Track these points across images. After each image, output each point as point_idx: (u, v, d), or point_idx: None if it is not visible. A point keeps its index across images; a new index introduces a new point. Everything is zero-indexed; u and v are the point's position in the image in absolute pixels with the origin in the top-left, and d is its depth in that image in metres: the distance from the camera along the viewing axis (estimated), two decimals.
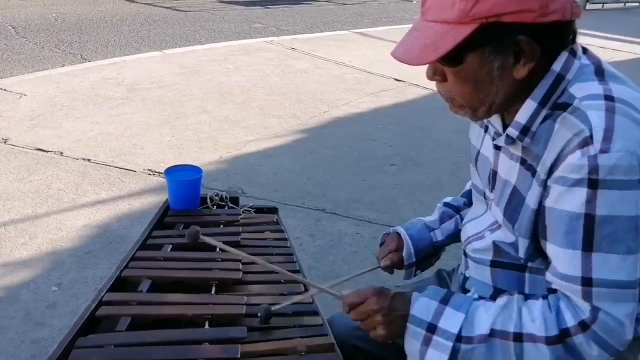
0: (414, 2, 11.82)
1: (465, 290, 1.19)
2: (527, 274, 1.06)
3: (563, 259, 0.91)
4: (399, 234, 1.34)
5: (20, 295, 2.35)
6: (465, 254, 1.18)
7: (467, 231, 1.19)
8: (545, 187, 0.93)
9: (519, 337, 0.92)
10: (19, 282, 2.43)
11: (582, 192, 0.86)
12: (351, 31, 8.17)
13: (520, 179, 0.99)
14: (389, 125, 4.48)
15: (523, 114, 0.96)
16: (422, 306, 0.99)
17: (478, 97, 0.96)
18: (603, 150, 0.85)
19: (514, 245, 1.05)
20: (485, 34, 0.88)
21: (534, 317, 0.92)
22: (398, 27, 8.45)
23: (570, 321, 0.90)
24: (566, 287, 0.91)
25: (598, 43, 7.37)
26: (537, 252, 1.00)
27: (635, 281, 0.89)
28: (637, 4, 13.06)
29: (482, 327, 0.94)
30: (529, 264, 1.04)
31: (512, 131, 0.98)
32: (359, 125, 4.44)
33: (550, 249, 0.93)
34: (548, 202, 0.91)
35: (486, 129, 1.14)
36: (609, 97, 0.90)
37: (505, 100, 0.96)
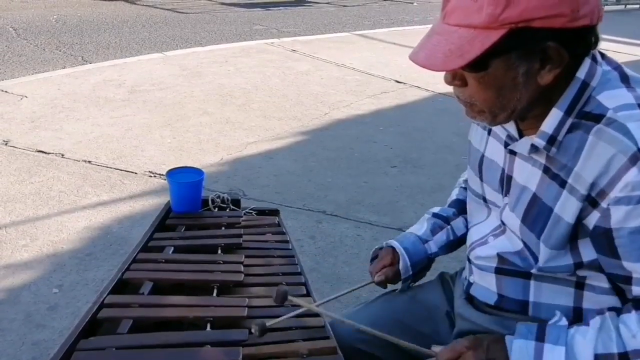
0: (415, 4, 11.83)
1: (469, 296, 1.18)
2: (532, 281, 1.05)
3: None
4: (392, 248, 1.31)
5: (21, 297, 2.35)
6: (469, 260, 1.18)
7: (471, 236, 1.18)
8: (591, 204, 0.91)
9: (624, 357, 0.90)
10: (20, 284, 2.43)
11: None
12: (352, 33, 8.18)
13: (543, 187, 0.98)
14: (390, 127, 4.48)
15: (549, 124, 0.94)
16: (521, 350, 0.95)
17: (500, 103, 0.93)
18: None
19: (521, 254, 1.04)
20: (513, 40, 0.85)
21: (634, 332, 0.90)
22: (399, 29, 8.45)
23: None
24: None
25: (599, 45, 7.35)
26: (573, 265, 0.99)
27: None
28: (637, 5, 13.07)
29: (584, 355, 0.91)
30: (533, 271, 1.03)
31: (539, 141, 0.96)
32: (360, 127, 4.44)
33: (630, 267, 0.91)
34: (615, 223, 0.89)
35: (489, 132, 1.12)
36: None
37: (527, 106, 0.94)
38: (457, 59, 0.86)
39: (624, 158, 0.86)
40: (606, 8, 12.02)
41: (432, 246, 1.31)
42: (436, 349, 1.05)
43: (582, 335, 0.93)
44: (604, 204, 0.90)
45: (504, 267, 1.08)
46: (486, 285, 1.12)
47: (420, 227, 1.34)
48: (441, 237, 1.32)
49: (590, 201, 0.91)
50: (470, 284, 1.17)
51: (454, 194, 1.39)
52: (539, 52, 0.88)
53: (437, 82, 5.14)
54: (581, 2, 0.85)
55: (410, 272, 1.29)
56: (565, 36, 0.87)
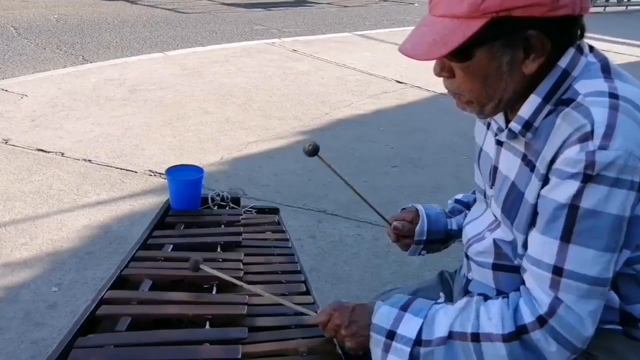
0: (416, 4, 11.82)
1: (468, 293, 1.17)
2: None
3: (539, 245, 0.91)
4: (417, 210, 1.35)
5: (21, 296, 2.34)
6: (467, 256, 1.18)
7: (467, 233, 1.18)
8: (545, 182, 0.92)
9: (476, 337, 0.92)
10: (19, 282, 2.42)
11: (574, 185, 0.86)
12: (353, 33, 8.17)
13: (520, 174, 0.99)
14: (391, 127, 4.47)
15: (526, 109, 0.96)
16: (383, 314, 1.00)
17: (487, 93, 0.95)
18: (602, 147, 0.84)
19: (513, 244, 1.04)
20: (495, 29, 0.87)
21: (491, 316, 0.93)
22: (399, 30, 8.45)
23: (527, 317, 0.90)
24: (536, 273, 0.91)
25: (600, 46, 7.31)
26: None
27: (606, 279, 0.89)
28: (638, 7, 13.07)
29: (440, 329, 0.95)
30: (517, 262, 1.03)
31: (515, 125, 0.97)
32: (361, 127, 4.44)
33: (531, 234, 0.94)
34: (543, 191, 0.92)
35: (488, 126, 1.14)
36: (613, 95, 0.89)
37: (514, 96, 0.96)
38: (441, 48, 0.89)
39: (576, 135, 0.87)
40: (607, 9, 12.03)
41: (454, 223, 1.35)
42: (313, 314, 1.11)
43: (445, 311, 0.97)
44: (549, 175, 0.91)
45: (501, 263, 1.08)
46: (484, 281, 1.12)
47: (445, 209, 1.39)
48: (459, 219, 1.35)
49: (543, 176, 0.92)
50: (468, 281, 1.17)
51: None
52: (521, 41, 0.89)
53: (437, 83, 5.08)
54: None
55: (424, 237, 1.32)
56: (547, 25, 0.88)
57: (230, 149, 3.89)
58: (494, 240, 1.08)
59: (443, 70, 0.97)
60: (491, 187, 1.09)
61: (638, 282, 0.97)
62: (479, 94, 0.96)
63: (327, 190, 3.38)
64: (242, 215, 1.59)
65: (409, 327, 0.96)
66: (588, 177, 0.85)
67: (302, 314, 1.13)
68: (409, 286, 1.36)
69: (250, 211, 1.64)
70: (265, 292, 1.14)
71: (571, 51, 0.94)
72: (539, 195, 0.93)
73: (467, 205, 1.35)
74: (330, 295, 2.40)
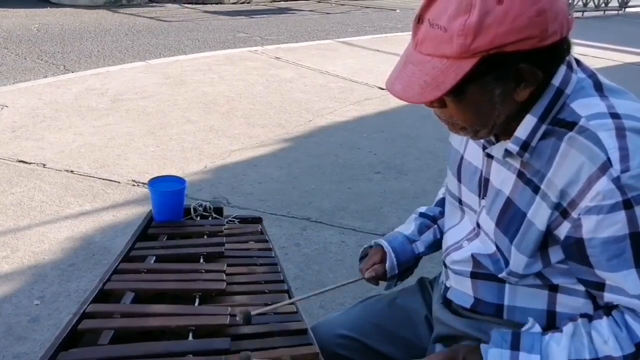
0: (398, 11, 11.91)
1: (447, 300, 1.19)
2: (506, 285, 1.06)
3: (620, 281, 0.91)
4: (381, 247, 1.33)
5: (2, 310, 2.32)
6: (445, 264, 1.19)
7: (446, 241, 1.19)
8: (562, 214, 0.92)
9: None
10: (1, 296, 2.40)
11: (620, 215, 0.87)
12: (335, 40, 8.20)
13: (517, 192, 0.99)
14: (374, 133, 4.50)
15: (523, 130, 0.96)
16: (495, 359, 0.97)
17: (480, 121, 0.95)
18: (624, 170, 0.86)
19: (492, 257, 1.05)
20: (486, 66, 0.87)
21: (606, 339, 0.92)
22: (382, 36, 8.50)
23: None
24: (634, 304, 0.92)
25: (578, 50, 7.43)
26: (537, 270, 1.00)
27: None
28: (616, 12, 13.29)
29: None
30: (503, 275, 1.04)
31: (512, 147, 0.97)
32: (344, 134, 4.46)
33: (603, 275, 0.93)
34: (586, 233, 0.91)
35: None
36: (614, 115, 0.91)
37: (506, 120, 0.96)
38: (433, 90, 0.88)
39: (593, 167, 0.88)
40: (585, 14, 12.21)
41: (420, 246, 1.33)
42: None
43: (556, 342, 0.95)
44: (574, 214, 0.91)
45: (479, 272, 1.09)
46: (462, 289, 1.14)
47: (408, 227, 1.36)
48: (428, 236, 1.33)
49: (562, 211, 0.93)
50: (447, 288, 1.19)
51: (441, 193, 1.40)
52: (512, 73, 0.89)
53: None
54: (550, 20, 0.85)
55: (396, 272, 1.31)
56: (537, 55, 0.88)
57: (213, 158, 3.88)
58: (472, 255, 1.09)
59: (433, 102, 0.95)
60: (482, 198, 1.09)
61: None
62: (472, 123, 0.96)
63: (311, 198, 3.39)
64: (224, 225, 1.59)
65: None
66: (627, 202, 0.86)
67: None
68: (390, 292, 1.37)
69: (233, 221, 1.64)
70: None
71: (562, 69, 0.94)
72: (549, 226, 0.94)
73: (434, 219, 1.35)
74: (315, 302, 2.41)
